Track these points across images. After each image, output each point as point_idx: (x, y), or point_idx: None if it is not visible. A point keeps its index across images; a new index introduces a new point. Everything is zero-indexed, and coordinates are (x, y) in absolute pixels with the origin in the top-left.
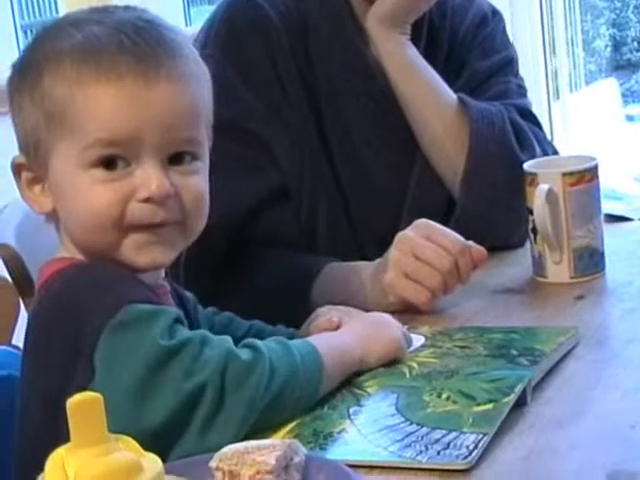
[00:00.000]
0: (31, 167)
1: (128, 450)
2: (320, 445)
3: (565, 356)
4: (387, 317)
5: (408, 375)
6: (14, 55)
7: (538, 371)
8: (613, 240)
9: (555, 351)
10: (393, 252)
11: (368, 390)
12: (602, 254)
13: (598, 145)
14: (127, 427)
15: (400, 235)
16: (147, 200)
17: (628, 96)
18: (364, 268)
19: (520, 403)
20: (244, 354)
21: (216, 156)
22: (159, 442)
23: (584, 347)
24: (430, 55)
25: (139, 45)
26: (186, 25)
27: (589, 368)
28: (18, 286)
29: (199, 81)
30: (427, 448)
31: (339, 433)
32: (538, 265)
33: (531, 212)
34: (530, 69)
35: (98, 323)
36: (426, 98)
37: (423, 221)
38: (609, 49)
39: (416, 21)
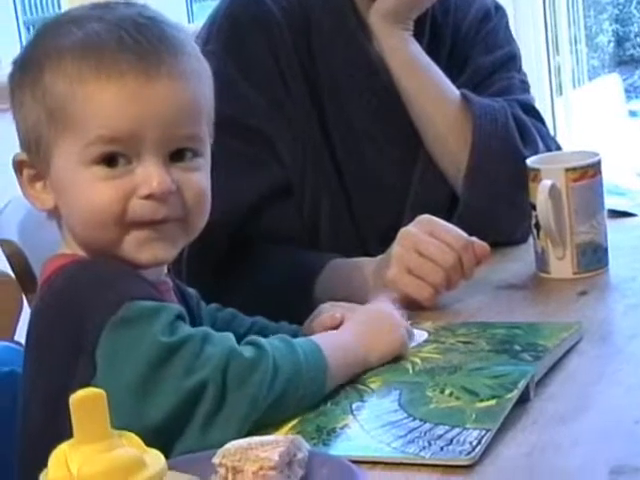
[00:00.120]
0: (32, 164)
1: (131, 446)
2: (323, 441)
3: (568, 352)
4: (389, 309)
5: (411, 371)
6: (17, 52)
7: (541, 367)
8: (616, 236)
9: (558, 347)
10: (396, 248)
11: (371, 386)
12: (605, 250)
13: (601, 141)
14: (129, 424)
15: (403, 231)
16: (148, 197)
17: (631, 91)
18: (367, 264)
19: (523, 399)
20: (247, 352)
21: (218, 153)
22: (161, 439)
23: (587, 343)
24: (433, 51)
25: (140, 42)
26: (189, 21)
27: (592, 364)
28: (21, 282)
29: (200, 78)
30: (430, 444)
31: (342, 429)
32: (541, 261)
33: (534, 208)
34: (533, 65)
35: (100, 319)
36: (429, 94)
37: (426, 217)
38: (612, 45)
39: (419, 17)
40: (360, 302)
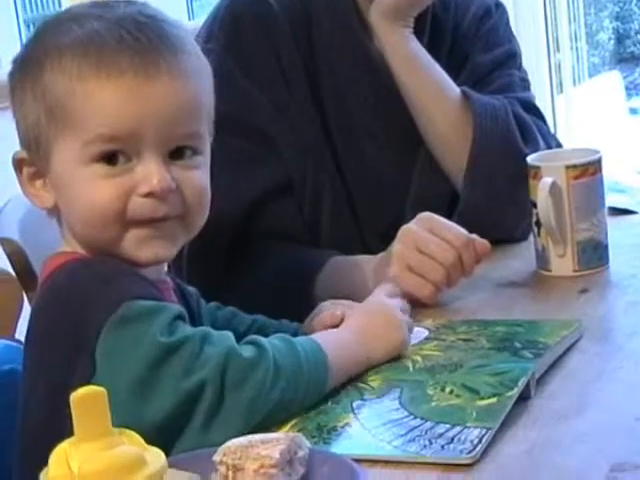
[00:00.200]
0: (32, 162)
1: (132, 444)
2: (324, 439)
3: (569, 349)
4: (391, 305)
5: (412, 369)
6: (17, 50)
7: (542, 364)
8: (617, 233)
9: (559, 344)
10: (397, 246)
11: (372, 384)
12: (606, 247)
13: (601, 138)
14: (128, 423)
15: (404, 229)
16: (148, 195)
17: (631, 89)
18: (367, 262)
19: (524, 396)
20: (246, 351)
21: (219, 150)
22: (161, 438)
23: (588, 340)
24: (433, 48)
25: (140, 40)
26: (189, 19)
27: (593, 361)
28: (21, 280)
29: (201, 76)
30: (431, 442)
31: (343, 427)
32: (542, 258)
33: (535, 205)
34: (533, 62)
35: (100, 318)
36: (429, 92)
37: (427, 214)
38: (612, 42)
39: (419, 14)
40: (360, 300)
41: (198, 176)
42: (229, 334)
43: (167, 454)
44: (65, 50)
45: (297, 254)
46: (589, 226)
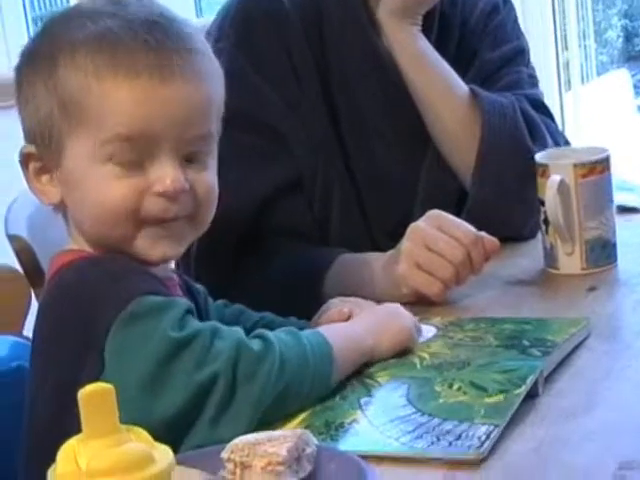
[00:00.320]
0: (40, 156)
1: (139, 441)
2: (331, 436)
3: (577, 347)
4: (398, 307)
5: (419, 366)
6: None
7: (550, 362)
8: (625, 231)
9: (567, 342)
10: (405, 243)
11: (379, 380)
12: (614, 245)
13: (610, 136)
14: (138, 420)
15: (412, 226)
16: (161, 195)
17: None
18: (376, 259)
19: (531, 394)
20: (255, 344)
21: (229, 147)
22: (170, 434)
23: (596, 338)
24: (441, 45)
25: (154, 41)
26: (197, 16)
27: (601, 359)
28: (29, 277)
29: (213, 76)
30: (438, 439)
31: (350, 424)
32: (550, 256)
33: (543, 203)
34: (541, 60)
35: (109, 315)
36: (437, 89)
37: (435, 212)
38: (621, 40)
39: (428, 11)
40: (369, 297)
41: (209, 176)
42: (238, 328)
43: (175, 451)
44: (79, 45)
45: (306, 252)
46: (597, 224)
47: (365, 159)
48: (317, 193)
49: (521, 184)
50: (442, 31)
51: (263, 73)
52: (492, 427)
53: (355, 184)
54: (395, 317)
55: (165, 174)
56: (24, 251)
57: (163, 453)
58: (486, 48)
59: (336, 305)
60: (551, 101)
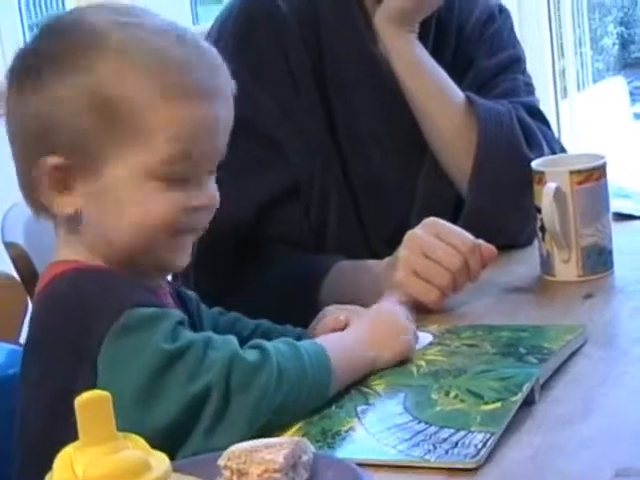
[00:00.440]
0: (66, 167)
1: (136, 448)
2: (328, 444)
3: (573, 354)
4: (397, 313)
5: (416, 374)
6: None
7: (546, 369)
8: (621, 238)
9: (563, 349)
10: (402, 251)
11: (376, 389)
12: (610, 252)
13: (606, 143)
14: (131, 432)
15: (409, 234)
16: (200, 208)
17: (636, 94)
18: (373, 266)
19: (528, 401)
20: (250, 355)
21: (226, 155)
22: (165, 445)
23: (592, 345)
24: (437, 52)
25: (199, 59)
26: (193, 24)
27: (597, 366)
28: (26, 285)
29: (232, 91)
30: (435, 447)
31: (347, 432)
32: (546, 264)
33: (539, 210)
34: (538, 67)
35: (102, 327)
36: (434, 97)
37: (432, 219)
38: (617, 47)
39: (424, 19)
40: (366, 305)
41: (215, 186)
42: (232, 338)
43: (171, 459)
44: (121, 58)
45: (303, 259)
46: (594, 231)
47: (362, 165)
48: (314, 197)
49: (517, 191)
50: (438, 38)
51: (260, 79)
52: (488, 435)
53: (352, 190)
54: (395, 328)
55: (206, 189)
56: (21, 258)
57: (159, 460)
58: (482, 56)
59: (332, 312)
60: (547, 108)
